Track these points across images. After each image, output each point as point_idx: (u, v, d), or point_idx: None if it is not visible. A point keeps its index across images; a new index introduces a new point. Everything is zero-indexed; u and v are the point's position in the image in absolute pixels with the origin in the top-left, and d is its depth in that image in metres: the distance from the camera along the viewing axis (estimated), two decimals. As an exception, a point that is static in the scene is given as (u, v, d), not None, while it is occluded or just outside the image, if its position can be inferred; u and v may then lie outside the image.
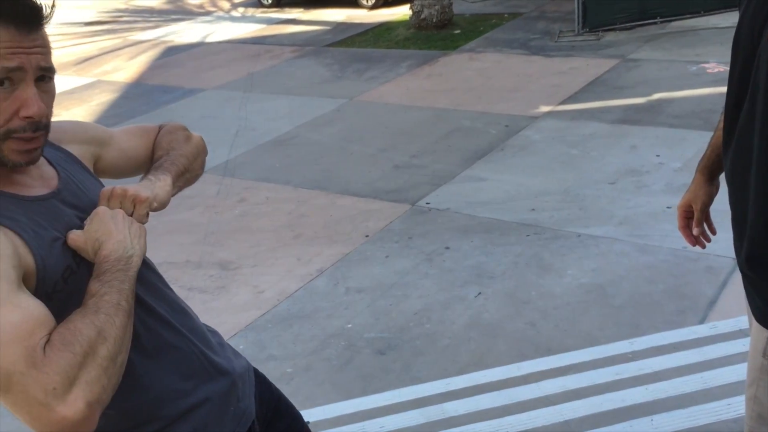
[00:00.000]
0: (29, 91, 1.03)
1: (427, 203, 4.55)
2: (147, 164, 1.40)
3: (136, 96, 7.96)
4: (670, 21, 7.94)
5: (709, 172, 1.70)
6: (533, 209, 4.30)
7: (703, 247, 1.79)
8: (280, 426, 1.47)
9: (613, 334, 3.03)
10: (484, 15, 9.79)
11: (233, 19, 12.04)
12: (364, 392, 2.89)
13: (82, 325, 1.01)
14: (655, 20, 8.02)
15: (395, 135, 5.85)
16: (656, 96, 5.92)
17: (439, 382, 2.85)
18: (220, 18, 12.20)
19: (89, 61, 9.90)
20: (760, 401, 1.40)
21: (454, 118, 6.04)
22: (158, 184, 1.26)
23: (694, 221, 1.74)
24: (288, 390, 2.36)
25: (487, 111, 6.11)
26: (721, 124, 1.60)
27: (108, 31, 11.87)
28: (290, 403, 1.55)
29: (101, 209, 1.14)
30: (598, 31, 8.01)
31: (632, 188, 4.38)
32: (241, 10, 12.73)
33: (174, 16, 12.60)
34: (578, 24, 8.12)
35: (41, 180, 1.16)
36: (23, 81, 1.03)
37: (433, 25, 9.11)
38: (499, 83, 6.88)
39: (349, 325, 3.38)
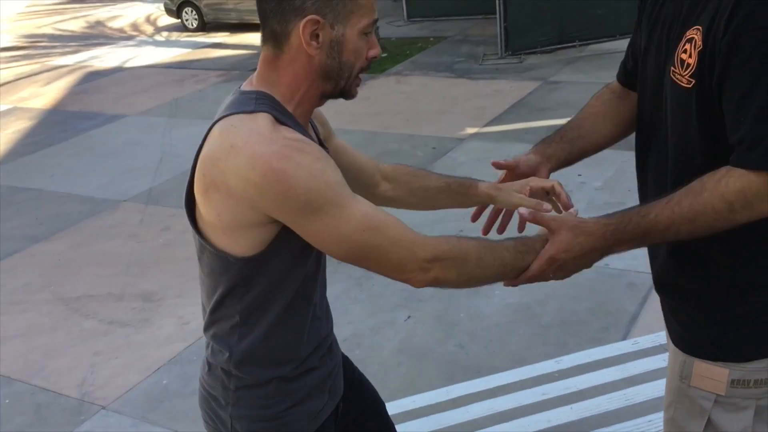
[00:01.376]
0: (375, 36, 1.29)
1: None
2: (365, 178, 1.59)
3: (54, 123, 7.69)
4: (588, 44, 8.23)
5: (544, 153, 1.60)
6: (461, 231, 4.33)
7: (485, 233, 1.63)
8: (361, 405, 1.58)
9: (540, 353, 3.06)
10: (411, 39, 9.92)
11: (157, 43, 11.83)
12: (293, 423, 2.82)
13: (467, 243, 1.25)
14: (574, 44, 8.28)
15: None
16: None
17: (369, 409, 2.81)
18: (143, 42, 11.97)
19: (5, 86, 9.55)
20: (677, 423, 1.42)
21: (382, 141, 6.06)
22: None
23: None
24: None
25: (415, 133, 6.16)
26: (579, 112, 1.62)
27: (25, 57, 11.49)
28: (371, 386, 1.64)
29: None
30: (521, 54, 8.22)
31: (574, 186, 4.49)
32: (165, 34, 12.53)
33: (95, 41, 12.30)
34: (501, 47, 8.32)
35: (312, 135, 1.36)
36: (373, 31, 1.27)
37: (359, 49, 9.16)
38: (426, 106, 6.95)
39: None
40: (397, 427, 2.66)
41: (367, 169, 1.61)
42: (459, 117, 6.48)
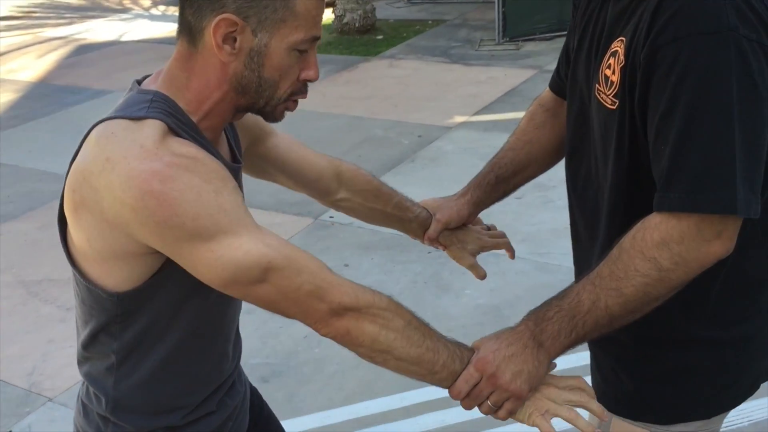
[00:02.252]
0: (315, 56, 1.11)
1: (330, 217, 4.40)
2: (322, 181, 1.50)
3: (39, 97, 7.54)
4: (588, 33, 8.01)
5: (479, 204, 1.49)
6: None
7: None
8: None
9: (504, 359, 2.92)
10: (409, 21, 9.71)
11: (152, 17, 11.63)
12: (241, 426, 2.71)
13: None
14: (574, 31, 8.07)
15: (306, 143, 5.66)
16: (569, 108, 5.92)
17: (320, 414, 2.70)
18: (138, 16, 11.77)
19: (-4, 57, 9.39)
20: None
21: (368, 127, 5.90)
22: None
23: (429, 231, 1.51)
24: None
25: (402, 120, 6.00)
26: (512, 140, 1.49)
27: (18, 27, 11.30)
28: (279, 424, 1.49)
29: None
30: (518, 40, 8.02)
31: (538, 203, 4.33)
32: (161, 8, 12.31)
33: (90, 13, 12.09)
34: (498, 33, 8.12)
35: (224, 147, 1.20)
36: (313, 48, 1.10)
37: (355, 30, 8.98)
38: (417, 91, 6.78)
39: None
40: (345, 436, 2.57)
41: (324, 173, 1.48)
42: (449, 104, 6.31)
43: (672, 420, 1.17)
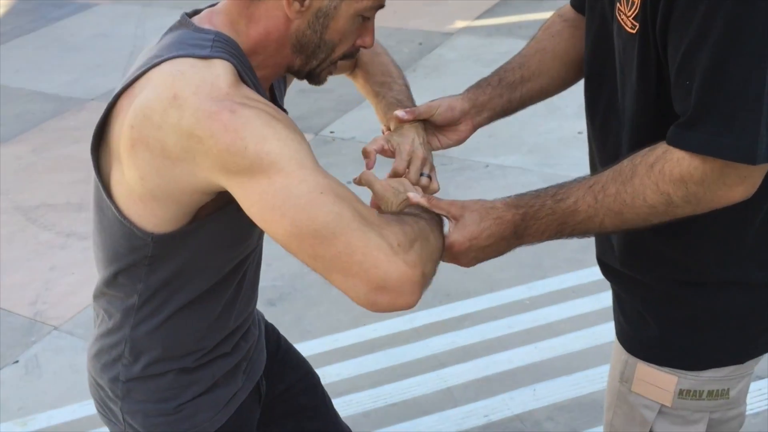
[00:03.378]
0: (373, 24, 1.10)
1: (331, 132, 4.28)
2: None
3: (23, 11, 7.24)
4: (595, -74, 7.61)
5: (477, 101, 1.29)
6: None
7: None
8: (288, 379, 1.41)
9: (513, 277, 2.88)
10: None
11: None
12: (249, 350, 2.70)
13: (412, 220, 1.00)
14: (579, -75, 7.66)
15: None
16: (575, 9, 5.68)
17: (329, 337, 2.67)
18: None
19: None
20: (615, 429, 1.23)
21: (366, 35, 5.68)
22: None
23: (413, 108, 1.31)
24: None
25: (401, 27, 5.75)
26: (524, 48, 1.35)
27: None
28: (301, 357, 1.48)
29: None
30: (521, -64, 7.61)
31: (544, 112, 4.18)
32: None
33: None
34: (500, -71, 7.70)
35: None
36: (373, 16, 1.08)
37: (349, -70, 8.54)
38: (416, -5, 6.49)
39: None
40: (352, 362, 2.55)
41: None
42: (449, 8, 6.05)
43: (702, 365, 1.11)
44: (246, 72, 1.02)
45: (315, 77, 1.11)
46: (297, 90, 4.93)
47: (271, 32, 1.03)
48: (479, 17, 5.78)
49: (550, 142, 3.90)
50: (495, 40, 5.30)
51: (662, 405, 1.14)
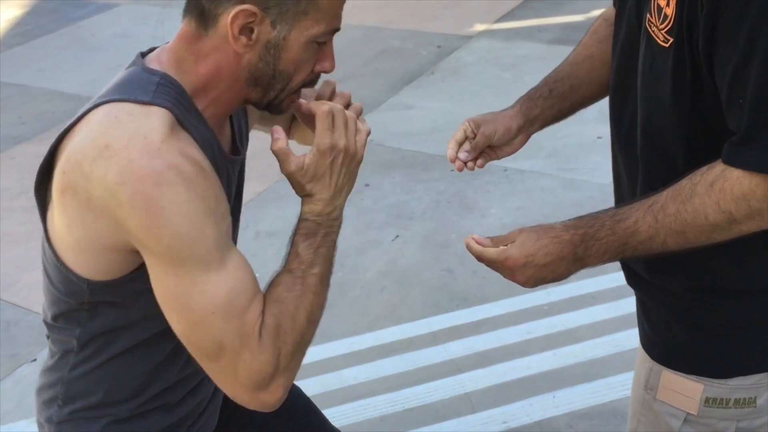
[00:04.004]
0: (332, 47, 1.06)
1: (348, 134, 4.27)
2: None
3: (46, 11, 7.31)
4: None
5: (529, 112, 1.32)
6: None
7: (460, 170, 1.41)
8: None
9: (531, 282, 2.86)
10: None
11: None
12: (266, 352, 2.70)
13: (296, 311, 1.00)
14: (600, -71, 7.62)
15: (321, 57, 5.48)
16: (595, 12, 5.61)
17: (345, 341, 2.66)
18: None
19: None
20: None
21: (384, 38, 5.67)
22: None
23: (473, 145, 1.35)
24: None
25: (420, 29, 5.75)
26: (572, 54, 1.35)
27: None
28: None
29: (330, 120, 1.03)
30: (541, -60, 7.59)
31: (564, 116, 4.17)
32: None
33: None
34: (520, -68, 7.68)
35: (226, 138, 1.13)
36: (331, 40, 1.05)
37: (368, -67, 8.55)
38: (434, -2, 6.48)
39: (257, 274, 3.13)
40: (369, 366, 2.54)
41: None
42: (468, 11, 6.03)
43: (729, 373, 1.09)
44: (189, 119, 0.99)
45: (275, 108, 1.07)
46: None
47: (222, 68, 1.00)
48: (498, 20, 5.76)
49: (569, 146, 3.87)
50: (514, 44, 5.28)
51: (688, 413, 1.13)
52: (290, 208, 3.71)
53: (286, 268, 1.04)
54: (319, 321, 1.06)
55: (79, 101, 5.28)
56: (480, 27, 5.66)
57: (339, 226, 1.08)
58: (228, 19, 0.94)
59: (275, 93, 1.03)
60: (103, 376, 1.09)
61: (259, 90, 1.02)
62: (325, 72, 1.06)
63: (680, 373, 1.12)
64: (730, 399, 1.10)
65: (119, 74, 1.02)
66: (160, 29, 6.45)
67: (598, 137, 3.87)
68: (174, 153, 0.92)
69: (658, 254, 1.02)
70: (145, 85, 0.97)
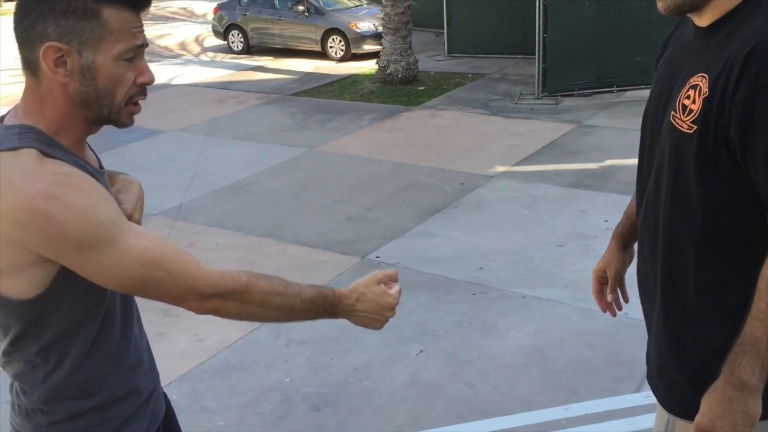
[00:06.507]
0: (145, 62, 1.25)
1: (377, 257, 4.55)
2: None
3: (97, 135, 7.85)
4: (626, 90, 8.19)
5: (623, 239, 1.69)
6: (481, 268, 4.32)
7: (614, 315, 1.79)
8: None
9: (549, 399, 3.02)
10: (449, 74, 10.00)
11: (202, 63, 12.10)
12: (295, 450, 2.83)
13: (266, 294, 1.29)
14: (612, 89, 8.26)
15: (352, 187, 5.88)
16: (608, 162, 6.06)
17: (372, 442, 2.81)
18: (189, 61, 12.25)
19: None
20: None
21: (412, 173, 6.09)
22: None
23: (608, 288, 1.74)
24: (216, 445, 2.28)
25: (445, 168, 6.18)
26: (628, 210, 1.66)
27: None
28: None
29: None
30: (557, 95, 8.22)
31: (579, 252, 4.44)
32: (210, 54, 12.81)
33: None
34: (538, 88, 8.33)
35: (91, 155, 1.33)
36: (141, 54, 1.23)
37: (398, 81, 9.27)
38: (458, 141, 6.98)
39: (287, 379, 3.32)
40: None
41: None
42: (490, 154, 6.49)
43: None
44: (53, 148, 1.16)
45: (115, 121, 1.25)
46: (346, 218, 5.27)
47: (58, 101, 1.18)
48: (518, 164, 6.19)
49: (584, 279, 4.09)
50: (533, 185, 5.66)
51: None
52: (319, 320, 3.94)
53: (288, 282, 1.34)
54: (261, 316, 1.34)
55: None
56: (501, 168, 6.09)
57: (333, 310, 1.39)
58: (41, 58, 1.14)
59: (107, 109, 1.21)
60: (74, 376, 1.26)
61: (93, 109, 1.21)
62: (147, 83, 1.23)
63: (690, 422, 1.32)
64: None
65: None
66: (202, 155, 6.94)
67: (612, 272, 4.13)
68: (49, 173, 1.13)
69: None
70: (9, 137, 1.16)
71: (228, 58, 12.26)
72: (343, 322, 1.44)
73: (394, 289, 1.44)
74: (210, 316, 1.31)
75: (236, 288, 1.26)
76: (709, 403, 1.25)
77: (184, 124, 8.12)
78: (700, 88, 1.23)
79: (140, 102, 1.27)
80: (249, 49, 12.42)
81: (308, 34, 11.74)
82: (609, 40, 8.00)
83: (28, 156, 1.14)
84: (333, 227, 5.07)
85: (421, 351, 3.48)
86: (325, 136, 7.31)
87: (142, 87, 1.24)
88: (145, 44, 1.24)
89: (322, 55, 11.62)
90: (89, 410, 1.29)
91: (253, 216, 5.36)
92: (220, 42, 13.10)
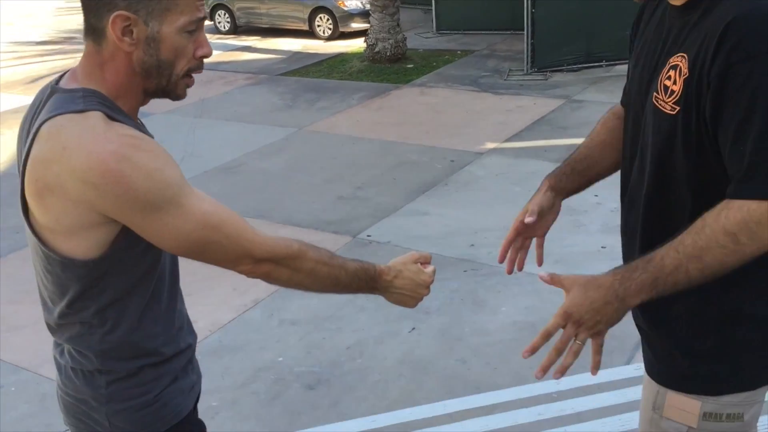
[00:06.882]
0: (204, 35, 1.28)
1: (368, 236, 4.56)
2: None
3: (82, 117, 7.81)
4: (615, 65, 8.18)
5: (557, 182, 1.62)
6: (472, 245, 4.34)
7: (509, 272, 1.72)
8: None
9: (541, 372, 3.04)
10: (437, 51, 9.95)
11: (189, 43, 11.98)
12: (290, 428, 2.84)
13: (315, 263, 1.33)
14: (601, 63, 8.25)
15: (342, 166, 5.86)
16: (598, 137, 6.06)
17: (366, 419, 2.83)
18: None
19: (39, 81, 9.71)
20: None
21: (402, 152, 6.08)
22: None
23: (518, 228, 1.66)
24: (212, 425, 2.29)
25: (435, 145, 6.17)
26: (587, 140, 1.64)
27: (60, 52, 11.69)
28: None
29: None
30: (546, 71, 8.21)
31: (570, 227, 4.45)
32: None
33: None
34: (527, 64, 8.31)
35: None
36: (201, 28, 1.26)
37: (386, 59, 9.22)
38: (448, 118, 6.97)
39: (280, 359, 3.33)
40: (391, 438, 2.68)
41: None
42: (480, 131, 6.49)
43: (723, 391, 1.32)
44: (115, 112, 1.19)
45: (170, 93, 1.27)
46: (337, 197, 5.26)
47: (120, 69, 1.21)
48: (508, 140, 6.19)
49: (575, 254, 4.14)
50: (523, 161, 5.67)
51: (689, 427, 1.34)
52: (314, 299, 3.95)
53: (333, 254, 1.38)
54: (309, 285, 1.36)
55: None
56: (490, 145, 6.08)
57: (373, 285, 1.43)
58: (109, 26, 1.17)
59: (166, 79, 1.24)
60: (129, 337, 1.29)
61: (152, 79, 1.24)
62: (205, 56, 1.26)
63: (682, 393, 1.34)
64: (722, 414, 1.32)
65: (44, 106, 1.24)
66: (191, 137, 6.90)
67: (602, 247, 4.15)
68: (118, 135, 1.15)
69: (684, 288, 1.22)
70: (73, 100, 1.18)
71: (215, 39, 12.14)
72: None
73: (429, 268, 1.50)
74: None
75: (289, 254, 1.29)
76: (585, 296, 1.25)
77: (172, 106, 8.01)
78: (680, 68, 1.23)
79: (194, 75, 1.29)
80: (236, 29, 12.31)
81: (295, 13, 11.64)
82: (598, 14, 7.97)
83: (96, 118, 1.16)
84: (323, 207, 5.06)
85: (413, 328, 3.50)
86: (314, 115, 7.28)
87: (200, 60, 1.26)
88: (206, 17, 1.27)
89: (310, 34, 11.53)
90: (145, 367, 1.33)
91: (243, 197, 5.35)
92: (206, 22, 12.98)
